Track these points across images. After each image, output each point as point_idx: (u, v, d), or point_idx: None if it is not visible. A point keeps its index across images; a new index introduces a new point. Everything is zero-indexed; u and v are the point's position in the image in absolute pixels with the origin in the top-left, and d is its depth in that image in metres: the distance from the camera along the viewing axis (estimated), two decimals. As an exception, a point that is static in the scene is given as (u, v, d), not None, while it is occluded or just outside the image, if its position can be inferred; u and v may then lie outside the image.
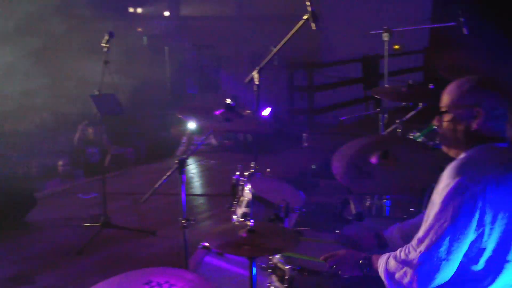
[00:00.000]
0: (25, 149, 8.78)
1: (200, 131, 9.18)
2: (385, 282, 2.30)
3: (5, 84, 9.29)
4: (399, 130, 4.70)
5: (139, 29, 13.09)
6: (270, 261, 2.90)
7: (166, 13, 14.67)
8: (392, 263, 2.27)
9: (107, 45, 5.35)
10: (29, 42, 9.67)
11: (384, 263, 2.33)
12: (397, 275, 2.22)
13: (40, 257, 5.33)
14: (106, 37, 5.34)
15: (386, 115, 4.90)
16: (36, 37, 9.63)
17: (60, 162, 8.24)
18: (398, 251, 2.28)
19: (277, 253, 2.82)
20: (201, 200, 7.14)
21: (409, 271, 2.17)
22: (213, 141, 9.71)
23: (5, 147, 8.73)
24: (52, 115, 10.20)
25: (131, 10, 13.72)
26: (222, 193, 6.68)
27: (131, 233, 5.74)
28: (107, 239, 5.59)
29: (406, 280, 2.18)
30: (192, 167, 8.57)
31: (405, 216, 3.43)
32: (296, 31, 3.82)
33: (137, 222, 6.12)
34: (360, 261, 2.49)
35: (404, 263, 2.21)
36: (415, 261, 2.16)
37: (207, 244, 3.42)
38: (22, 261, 5.22)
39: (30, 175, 7.68)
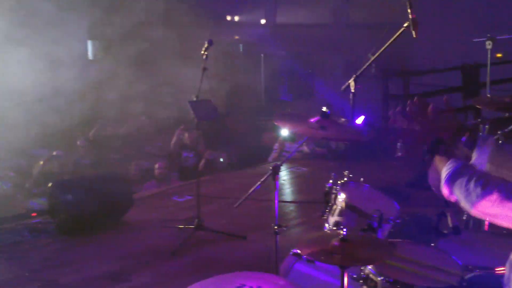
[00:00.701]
0: (125, 152, 9.22)
1: (292, 138, 9.20)
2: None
3: (108, 91, 9.77)
4: (500, 142, 4.48)
5: (236, 37, 13.34)
6: (362, 272, 2.86)
7: (263, 21, 14.86)
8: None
9: (206, 53, 5.49)
10: (130, 50, 10.12)
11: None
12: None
13: (136, 256, 5.52)
14: (206, 45, 5.49)
15: (487, 126, 4.69)
16: (137, 45, 10.06)
17: (157, 165, 8.53)
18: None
19: (369, 264, 2.77)
20: (292, 207, 7.13)
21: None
22: (305, 148, 9.69)
23: (106, 150, 9.21)
24: (150, 120, 10.63)
25: (228, 18, 14.00)
26: (314, 201, 6.63)
27: (222, 237, 5.83)
28: (199, 241, 5.71)
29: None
30: (284, 174, 8.59)
31: (504, 231, 3.26)
32: (395, 39, 3.75)
33: (229, 226, 6.20)
34: None
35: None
36: None
37: (298, 251, 3.42)
38: (119, 259, 5.43)
39: (128, 176, 7.98)
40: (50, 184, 6.18)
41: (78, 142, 9.33)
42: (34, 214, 6.59)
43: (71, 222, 5.95)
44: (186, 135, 8.98)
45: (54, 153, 8.64)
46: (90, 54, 12.72)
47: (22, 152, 10.03)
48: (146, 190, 7.97)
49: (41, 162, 8.68)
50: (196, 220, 5.78)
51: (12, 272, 5.13)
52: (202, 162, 8.29)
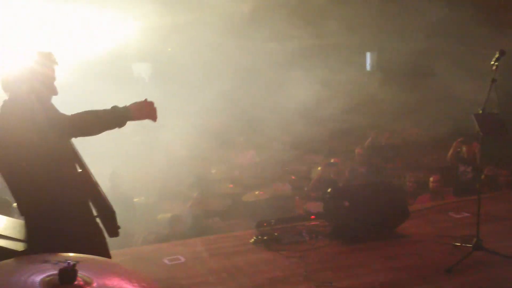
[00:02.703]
0: (399, 163, 9.20)
1: None
2: None
3: (383, 101, 9.86)
4: None
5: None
6: None
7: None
8: None
9: (496, 63, 5.21)
10: (407, 61, 10.06)
11: None
12: None
13: (409, 269, 5.44)
14: (496, 55, 5.22)
15: None
16: (415, 56, 9.97)
17: (432, 178, 8.32)
18: None
19: None
20: None
21: None
22: None
23: (381, 159, 9.30)
24: (425, 132, 10.44)
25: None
26: None
27: (505, 260, 5.42)
28: (477, 262, 5.39)
29: None
30: None
31: None
32: None
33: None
34: None
35: None
36: None
37: None
38: (393, 270, 5.41)
39: (403, 188, 7.94)
40: (329, 190, 6.48)
41: (356, 150, 9.61)
42: (312, 217, 6.95)
43: (346, 228, 6.15)
44: (464, 148, 8.59)
45: (332, 160, 9.03)
46: (368, 66, 13.04)
47: (301, 157, 10.74)
48: (420, 203, 7.82)
49: (319, 168, 9.15)
50: (475, 239, 5.48)
51: (291, 269, 5.48)
52: (482, 178, 7.82)
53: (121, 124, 3.40)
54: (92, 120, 3.31)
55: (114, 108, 3.39)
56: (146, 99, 3.47)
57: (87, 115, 3.32)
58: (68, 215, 3.32)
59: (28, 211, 3.39)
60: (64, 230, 3.25)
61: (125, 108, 3.41)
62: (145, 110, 3.44)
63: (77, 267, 2.00)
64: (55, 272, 2.00)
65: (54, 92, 3.49)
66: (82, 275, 2.02)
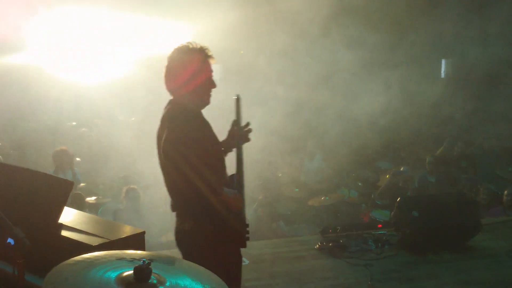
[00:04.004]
0: (472, 173, 8.91)
1: None
2: None
3: (457, 109, 9.59)
4: None
5: None
6: None
7: None
8: None
9: None
10: (482, 69, 9.72)
11: None
12: None
13: (481, 284, 5.30)
14: None
15: None
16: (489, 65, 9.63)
17: (506, 192, 8.00)
18: None
19: None
20: None
21: None
22: None
23: (453, 169, 9.05)
24: (498, 142, 10.08)
25: None
26: None
27: None
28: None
29: None
30: None
31: None
32: None
33: None
34: None
35: None
36: None
37: None
38: (464, 284, 5.28)
39: (476, 199, 7.69)
40: (398, 199, 6.36)
41: (427, 159, 9.40)
42: (379, 226, 6.85)
43: (415, 238, 6.02)
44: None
45: (402, 168, 8.84)
46: (442, 73, 12.72)
47: (369, 164, 10.58)
48: (493, 216, 7.55)
49: (388, 176, 8.99)
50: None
51: (355, 278, 5.42)
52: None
53: (211, 191, 3.22)
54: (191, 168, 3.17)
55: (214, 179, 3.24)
56: (240, 196, 3.35)
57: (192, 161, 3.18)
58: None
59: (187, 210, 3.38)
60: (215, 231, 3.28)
61: (221, 188, 3.24)
62: (236, 204, 3.30)
63: (151, 266, 2.04)
64: (131, 269, 2.05)
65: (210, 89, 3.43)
66: (156, 274, 2.06)
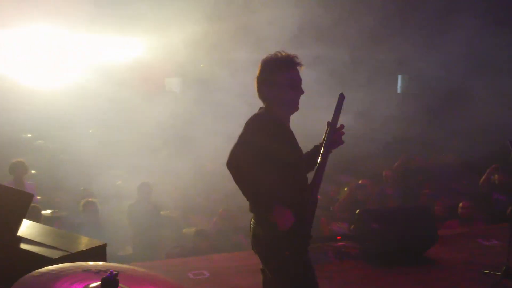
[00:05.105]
0: (429, 186, 9.09)
1: None
2: None
3: (413, 125, 9.76)
4: None
5: None
6: None
7: None
8: None
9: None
10: (441, 86, 9.96)
11: None
12: None
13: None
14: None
15: None
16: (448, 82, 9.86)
17: (461, 204, 8.19)
18: None
19: None
20: None
21: None
22: None
23: (410, 183, 9.20)
24: (457, 157, 10.31)
25: None
26: None
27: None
28: (507, 291, 5.31)
29: None
30: None
31: None
32: None
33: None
34: None
35: None
36: None
37: None
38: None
39: (432, 212, 7.84)
40: (357, 211, 6.44)
41: (384, 173, 9.53)
42: (338, 238, 6.91)
43: (375, 251, 6.10)
44: (496, 176, 8.44)
45: (360, 181, 8.96)
46: (398, 88, 12.96)
47: (329, 178, 10.67)
48: (448, 228, 7.72)
49: (346, 189, 9.09)
50: (504, 267, 5.41)
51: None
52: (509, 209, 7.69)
53: (258, 209, 3.25)
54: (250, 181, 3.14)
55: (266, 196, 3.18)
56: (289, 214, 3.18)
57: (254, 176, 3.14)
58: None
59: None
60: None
61: (272, 206, 3.14)
62: (283, 221, 3.14)
63: (118, 277, 2.01)
64: (97, 281, 2.02)
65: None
66: (123, 285, 2.04)
